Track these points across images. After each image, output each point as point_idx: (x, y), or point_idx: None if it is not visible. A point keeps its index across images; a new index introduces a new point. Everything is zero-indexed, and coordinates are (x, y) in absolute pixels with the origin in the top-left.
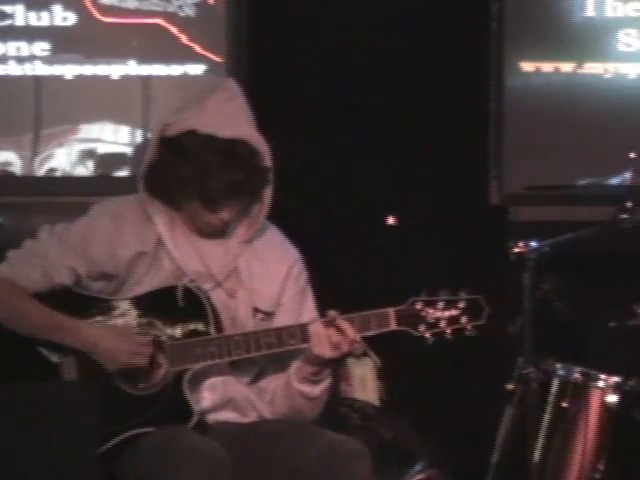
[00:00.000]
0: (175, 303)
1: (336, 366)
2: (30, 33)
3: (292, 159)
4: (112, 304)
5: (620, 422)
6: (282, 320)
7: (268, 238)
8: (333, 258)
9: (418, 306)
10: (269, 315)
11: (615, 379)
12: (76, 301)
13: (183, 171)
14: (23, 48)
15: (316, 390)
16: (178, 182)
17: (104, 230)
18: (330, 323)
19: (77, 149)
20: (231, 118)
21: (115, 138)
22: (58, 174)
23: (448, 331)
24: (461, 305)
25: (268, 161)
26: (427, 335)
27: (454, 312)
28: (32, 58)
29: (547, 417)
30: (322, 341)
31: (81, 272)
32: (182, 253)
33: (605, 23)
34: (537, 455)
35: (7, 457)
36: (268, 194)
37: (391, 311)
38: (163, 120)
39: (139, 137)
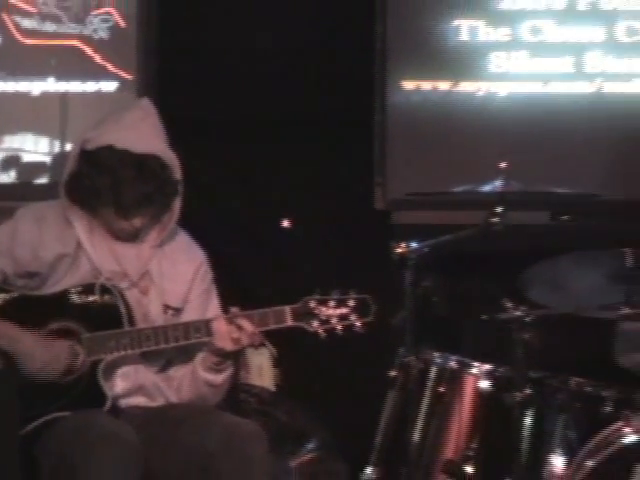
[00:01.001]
0: (93, 299)
1: (237, 356)
2: None
3: (198, 168)
4: (35, 298)
5: (491, 405)
6: (189, 316)
7: (177, 242)
8: (236, 259)
9: (312, 304)
10: (178, 311)
11: (487, 366)
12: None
13: (100, 182)
14: None
15: (219, 378)
16: (95, 191)
17: (28, 233)
18: (232, 319)
19: (0, 158)
20: (145, 135)
21: (35, 148)
22: None
23: (339, 327)
24: (351, 304)
25: (178, 174)
26: (320, 331)
27: (344, 310)
28: None
29: (426, 401)
30: (224, 336)
31: (9, 272)
32: (99, 255)
33: (478, 47)
34: (417, 435)
35: None
36: (177, 204)
37: (287, 309)
38: (82, 134)
39: (57, 147)
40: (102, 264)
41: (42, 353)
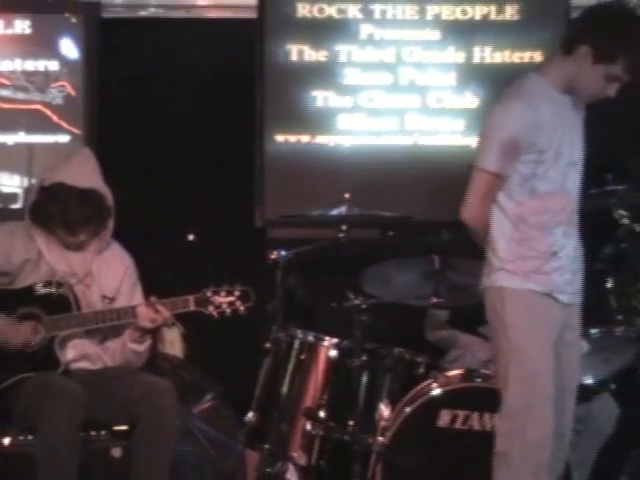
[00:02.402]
0: (50, 291)
1: (155, 332)
2: None
3: (126, 196)
4: (7, 291)
5: (338, 368)
6: (120, 303)
7: (112, 250)
8: (154, 262)
9: (208, 294)
10: (112, 300)
11: (335, 340)
12: None
13: (54, 209)
14: None
15: (141, 348)
16: (50, 216)
17: (2, 243)
18: (151, 305)
19: None
20: (86, 174)
21: (10, 183)
22: None
23: (228, 311)
24: (237, 293)
25: (110, 202)
26: (214, 314)
27: (232, 298)
28: None
29: (291, 365)
30: (145, 317)
31: None
32: (55, 260)
33: (329, 110)
34: (285, 390)
35: None
36: (111, 223)
37: (191, 298)
38: (41, 174)
39: (26, 183)
40: (57, 266)
41: (7, 329)
